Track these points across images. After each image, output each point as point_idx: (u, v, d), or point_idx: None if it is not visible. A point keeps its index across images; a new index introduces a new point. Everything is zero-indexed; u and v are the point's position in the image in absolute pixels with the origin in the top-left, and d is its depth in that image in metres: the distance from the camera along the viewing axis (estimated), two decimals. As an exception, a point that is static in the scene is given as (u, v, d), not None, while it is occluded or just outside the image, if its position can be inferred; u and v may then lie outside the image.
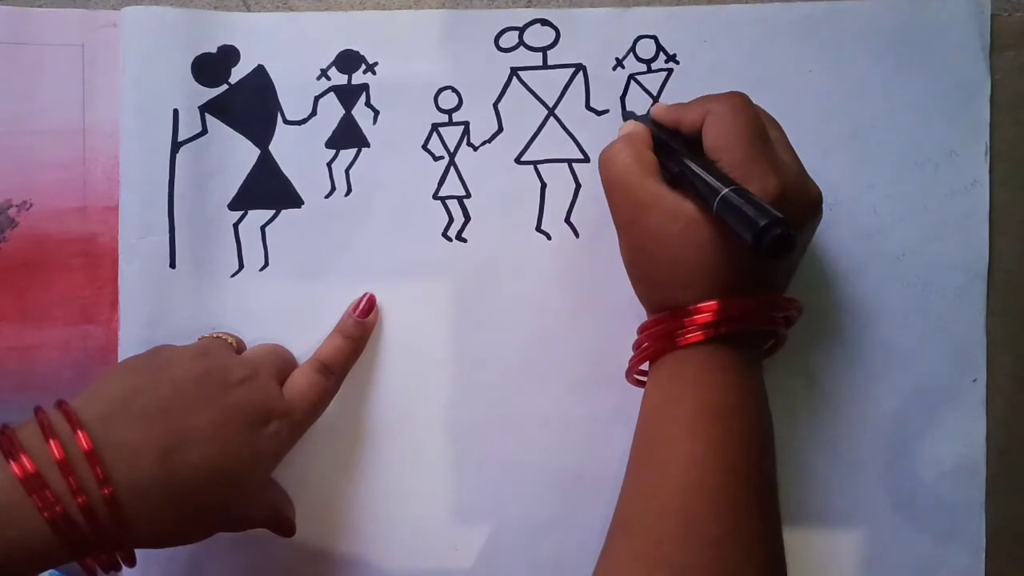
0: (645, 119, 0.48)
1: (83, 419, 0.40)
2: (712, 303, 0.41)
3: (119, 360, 0.51)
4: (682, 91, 0.51)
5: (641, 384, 0.46)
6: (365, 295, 0.51)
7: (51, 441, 0.39)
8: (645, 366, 0.46)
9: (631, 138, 0.45)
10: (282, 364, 0.49)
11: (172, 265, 0.51)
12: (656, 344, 0.44)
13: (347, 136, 0.52)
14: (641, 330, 0.45)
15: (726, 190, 0.39)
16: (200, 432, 0.42)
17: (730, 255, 0.41)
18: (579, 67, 0.51)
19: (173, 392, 0.43)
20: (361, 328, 0.51)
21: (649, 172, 0.44)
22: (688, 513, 0.39)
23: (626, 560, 0.40)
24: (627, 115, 0.51)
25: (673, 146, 0.45)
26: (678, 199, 0.42)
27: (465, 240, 0.52)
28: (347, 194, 0.52)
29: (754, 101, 0.51)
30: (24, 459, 0.38)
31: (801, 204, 0.43)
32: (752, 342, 0.44)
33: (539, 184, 0.52)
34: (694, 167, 0.42)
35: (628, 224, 0.45)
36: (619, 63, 0.52)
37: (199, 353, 0.45)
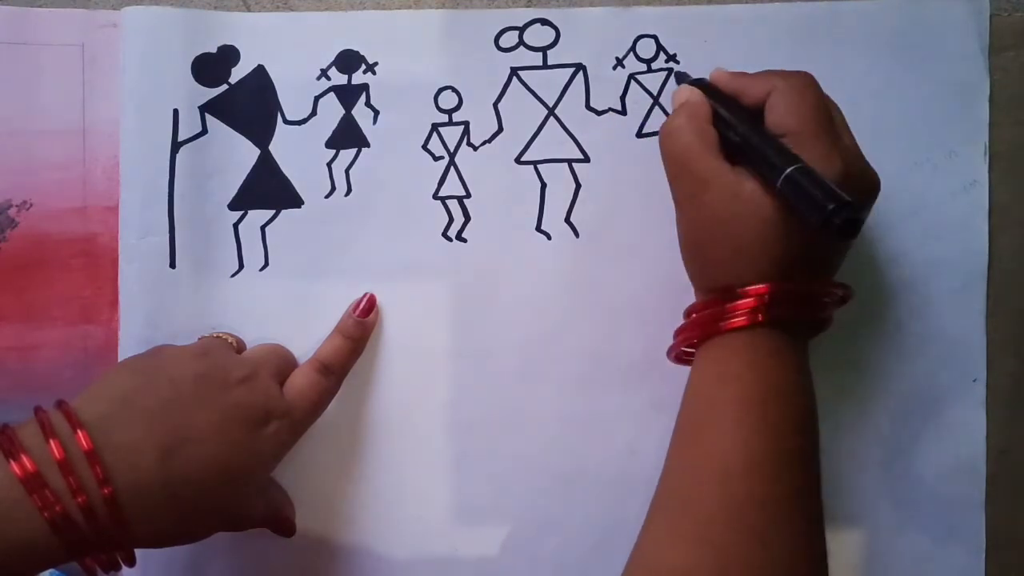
0: (701, 84, 0.47)
1: (83, 419, 0.40)
2: (762, 287, 0.41)
3: (119, 360, 0.51)
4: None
5: (684, 362, 0.45)
6: (365, 295, 0.51)
7: (51, 441, 0.39)
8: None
9: (692, 111, 0.44)
10: (282, 364, 0.49)
11: (172, 265, 0.51)
12: (704, 327, 0.43)
13: (347, 136, 0.52)
14: (689, 312, 0.45)
15: (792, 168, 0.39)
16: (200, 432, 0.42)
17: (788, 236, 0.41)
18: (579, 67, 0.51)
19: (173, 392, 0.43)
20: (361, 328, 0.51)
21: (711, 148, 0.43)
22: (731, 497, 0.39)
23: (668, 537, 0.40)
24: (681, 77, 0.50)
25: (735, 119, 0.44)
26: (740, 177, 0.42)
27: (465, 240, 0.52)
28: (347, 194, 0.52)
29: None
30: (24, 459, 0.38)
31: (861, 188, 0.42)
32: (800, 326, 0.43)
33: (539, 184, 0.52)
34: (759, 142, 0.41)
35: (687, 201, 0.44)
36: (619, 63, 0.52)
37: (199, 353, 0.45)
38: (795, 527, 0.39)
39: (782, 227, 0.41)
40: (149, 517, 0.40)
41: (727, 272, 0.42)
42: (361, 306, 0.51)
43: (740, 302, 0.41)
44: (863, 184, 0.43)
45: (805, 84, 0.43)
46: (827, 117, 0.42)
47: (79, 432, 0.39)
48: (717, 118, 0.44)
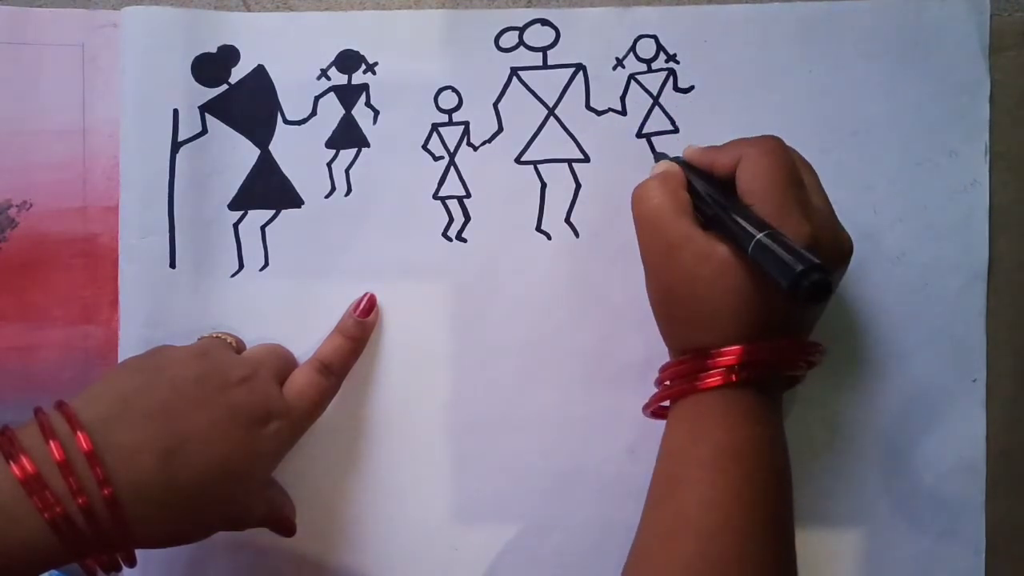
0: (677, 160, 0.47)
1: (83, 420, 0.40)
2: (736, 348, 0.41)
3: (119, 360, 0.51)
4: (682, 91, 0.51)
5: (659, 418, 0.46)
6: (365, 295, 0.51)
7: (51, 442, 0.39)
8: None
9: (665, 177, 0.45)
10: (282, 364, 0.49)
11: (172, 265, 0.51)
12: (677, 385, 0.43)
13: (347, 136, 0.52)
14: (662, 369, 0.45)
15: (761, 234, 0.39)
16: (200, 432, 0.42)
17: (761, 299, 0.41)
18: (579, 67, 0.51)
19: (173, 393, 0.43)
20: (361, 328, 0.51)
21: (683, 212, 0.43)
22: (706, 557, 0.39)
23: None
24: (659, 156, 0.51)
25: (706, 188, 0.44)
26: (711, 241, 0.42)
27: (465, 240, 0.52)
28: (347, 194, 0.52)
29: (754, 101, 0.51)
30: (24, 460, 0.38)
31: (832, 251, 0.43)
32: (774, 384, 0.43)
33: (539, 184, 0.52)
34: (728, 210, 0.42)
35: (658, 263, 0.44)
36: (619, 63, 0.52)
37: (198, 353, 0.45)
38: None
39: (754, 291, 0.41)
40: (150, 518, 0.40)
41: (699, 334, 0.43)
42: (361, 306, 0.51)
43: (713, 361, 0.42)
44: (835, 247, 0.43)
45: (772, 148, 0.43)
46: (795, 181, 0.42)
47: (79, 433, 0.39)
48: (690, 188, 0.45)
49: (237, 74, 0.51)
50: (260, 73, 0.51)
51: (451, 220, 0.52)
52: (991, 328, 0.51)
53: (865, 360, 0.51)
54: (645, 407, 0.47)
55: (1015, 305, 0.51)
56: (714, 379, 0.41)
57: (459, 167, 0.52)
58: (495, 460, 0.51)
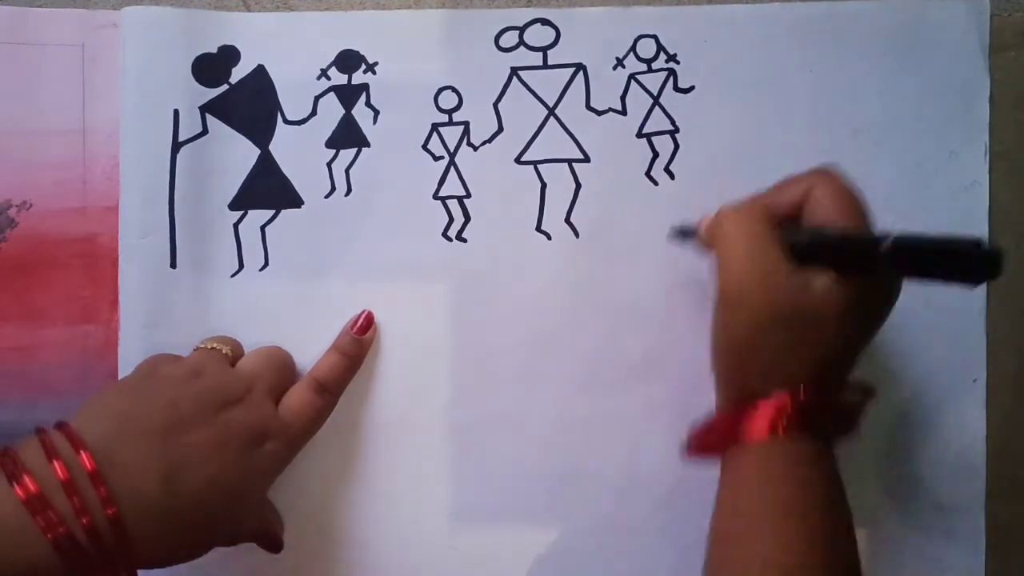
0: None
1: (85, 440, 0.40)
2: (784, 396, 0.40)
3: (119, 360, 0.51)
4: (682, 91, 0.52)
5: (700, 458, 0.45)
6: (363, 312, 0.51)
7: (54, 462, 0.38)
8: None
9: (749, 207, 0.43)
10: (278, 377, 0.48)
11: (173, 265, 0.51)
12: (726, 437, 0.43)
13: (347, 136, 0.52)
14: (709, 423, 0.45)
15: (893, 236, 0.37)
16: (198, 454, 0.42)
17: (855, 326, 0.40)
18: (579, 67, 0.51)
19: (171, 414, 0.42)
20: (358, 346, 0.50)
21: (776, 241, 0.41)
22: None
23: None
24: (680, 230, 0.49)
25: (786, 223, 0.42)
26: (809, 273, 0.40)
27: (465, 240, 0.52)
28: (347, 194, 0.52)
29: (754, 101, 0.51)
30: (27, 480, 0.38)
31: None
32: (824, 430, 0.42)
33: (539, 184, 0.52)
34: (831, 233, 0.40)
35: (744, 297, 0.41)
36: (619, 63, 0.52)
37: (195, 371, 0.45)
38: None
39: (853, 316, 0.40)
40: (151, 537, 0.40)
41: (765, 373, 0.41)
42: (359, 323, 0.51)
43: (760, 411, 0.41)
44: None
45: (841, 177, 0.42)
46: (866, 207, 0.42)
47: (82, 453, 0.39)
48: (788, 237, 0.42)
49: (237, 74, 0.51)
50: (260, 73, 0.51)
51: (451, 220, 0.52)
52: (991, 328, 0.51)
53: (865, 360, 0.51)
54: (685, 452, 0.46)
55: (1015, 305, 0.51)
56: (761, 430, 0.40)
57: (459, 167, 0.52)
58: (495, 460, 0.51)
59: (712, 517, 0.43)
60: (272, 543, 0.49)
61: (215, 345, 0.49)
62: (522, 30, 0.51)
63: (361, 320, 0.51)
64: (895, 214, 0.51)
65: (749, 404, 0.41)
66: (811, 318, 0.40)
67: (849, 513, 0.41)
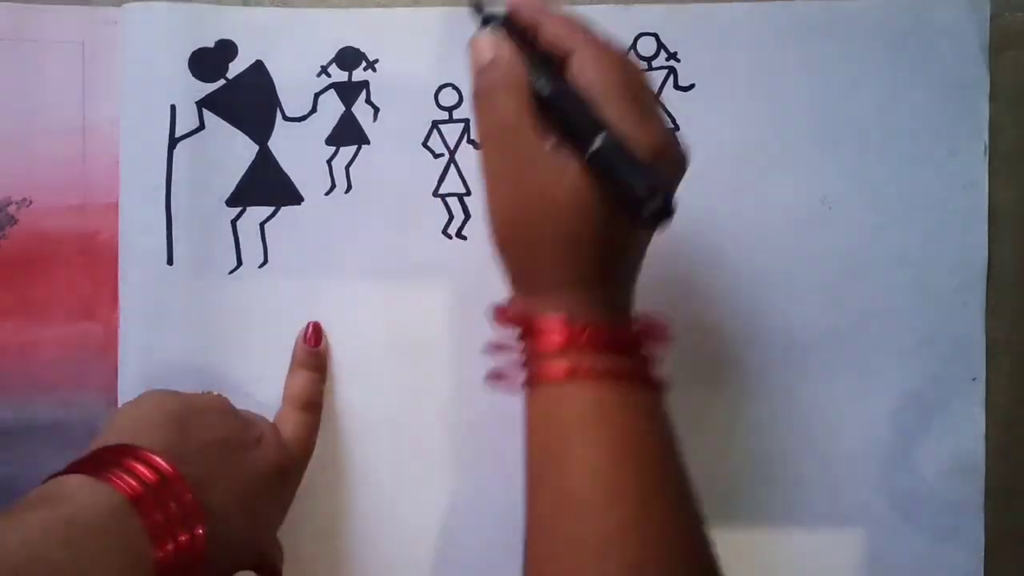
0: (496, 19, 0.42)
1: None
2: (558, 319, 0.38)
3: (119, 356, 0.51)
4: (682, 90, 0.52)
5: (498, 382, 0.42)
6: (309, 324, 0.51)
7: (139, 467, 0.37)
8: None
9: (508, 74, 0.39)
10: (272, 423, 0.48)
11: (169, 262, 0.51)
12: (525, 373, 0.40)
13: (347, 133, 0.52)
14: (500, 316, 0.41)
15: (600, 140, 0.35)
16: (226, 505, 0.39)
17: (606, 223, 0.37)
18: (579, 64, 0.51)
19: (201, 463, 0.39)
20: (317, 357, 0.50)
21: (531, 121, 0.38)
22: (597, 531, 0.35)
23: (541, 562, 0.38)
24: (477, 8, 0.44)
25: (543, 75, 0.38)
26: (562, 158, 0.37)
27: (465, 237, 0.52)
28: (347, 191, 0.52)
29: (754, 100, 0.51)
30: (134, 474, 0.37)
31: (672, 163, 0.38)
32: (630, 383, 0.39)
33: (539, 182, 0.52)
34: (571, 108, 0.37)
35: (507, 176, 0.39)
36: (619, 61, 0.51)
37: (224, 410, 0.43)
38: (675, 552, 0.36)
39: (607, 209, 0.37)
40: None
41: (543, 263, 0.38)
42: (308, 336, 0.51)
43: (546, 338, 0.38)
44: (677, 160, 0.38)
45: (613, 45, 0.39)
46: (639, 83, 0.38)
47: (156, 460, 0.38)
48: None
49: (235, 69, 0.51)
50: (258, 68, 0.51)
51: (451, 217, 0.52)
52: (991, 328, 0.51)
53: (865, 360, 0.51)
54: (488, 376, 0.42)
55: (1015, 305, 0.51)
56: (558, 372, 0.38)
57: (459, 164, 0.52)
58: (495, 458, 0.51)
59: (527, 433, 0.40)
60: (271, 573, 0.48)
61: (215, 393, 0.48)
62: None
63: (310, 333, 0.51)
64: (895, 214, 0.51)
65: (531, 316, 0.39)
66: (568, 204, 0.37)
67: (669, 423, 0.39)
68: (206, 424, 0.41)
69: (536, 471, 0.39)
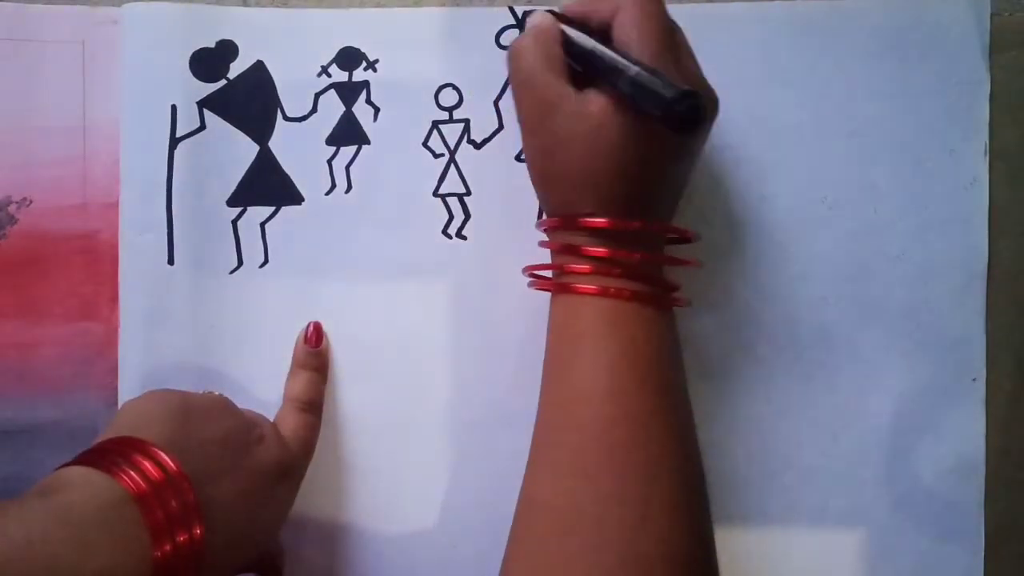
0: (553, 13, 0.45)
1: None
2: (604, 220, 0.41)
3: (119, 356, 0.51)
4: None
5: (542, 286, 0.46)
6: (309, 324, 0.51)
7: (145, 463, 0.37)
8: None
9: (540, 34, 0.43)
10: (272, 422, 0.48)
11: (170, 262, 0.51)
12: (555, 280, 0.44)
13: (348, 133, 0.52)
14: (544, 227, 0.45)
15: (636, 68, 0.39)
16: (225, 503, 0.40)
17: (637, 156, 0.41)
18: (580, 64, 0.52)
19: (201, 460, 0.40)
20: (318, 357, 0.50)
21: (557, 70, 0.42)
22: (599, 422, 0.39)
23: (545, 471, 0.41)
24: (529, 13, 0.49)
25: (581, 38, 0.43)
26: (586, 97, 0.41)
27: (465, 237, 0.52)
28: (347, 191, 0.52)
29: (754, 99, 0.51)
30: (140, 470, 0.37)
31: (706, 102, 0.41)
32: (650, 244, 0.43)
33: (539, 182, 0.52)
34: (605, 53, 0.41)
35: (533, 125, 0.43)
36: (620, 61, 0.52)
37: (223, 407, 0.44)
38: (663, 444, 0.40)
39: (629, 145, 0.40)
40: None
41: (573, 199, 0.42)
42: (309, 336, 0.51)
43: (584, 230, 0.42)
44: (708, 99, 0.43)
45: (651, 3, 0.42)
46: (671, 35, 0.42)
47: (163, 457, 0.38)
48: (567, 41, 0.43)
49: (236, 69, 0.51)
50: (259, 69, 0.51)
51: (451, 217, 0.52)
52: (991, 328, 0.51)
53: (865, 359, 0.51)
54: (527, 271, 0.47)
55: (1015, 305, 0.51)
56: (589, 286, 0.42)
57: (459, 164, 0.52)
58: (495, 458, 0.51)
59: (547, 343, 0.44)
60: (273, 573, 0.48)
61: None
62: (523, 28, 0.51)
63: (311, 332, 0.51)
64: (895, 213, 0.51)
65: (564, 242, 0.43)
66: (594, 141, 0.40)
67: (677, 340, 0.43)
68: (208, 421, 0.42)
69: (550, 369, 0.43)
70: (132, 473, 0.36)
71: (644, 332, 0.41)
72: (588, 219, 0.42)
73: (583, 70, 0.43)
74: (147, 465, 0.37)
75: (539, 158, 0.44)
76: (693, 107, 0.37)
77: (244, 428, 0.43)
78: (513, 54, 0.44)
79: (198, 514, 0.37)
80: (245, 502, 0.41)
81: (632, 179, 0.41)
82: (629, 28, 0.41)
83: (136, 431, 0.39)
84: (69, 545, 0.33)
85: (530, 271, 0.46)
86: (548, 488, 0.40)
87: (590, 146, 0.41)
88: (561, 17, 0.45)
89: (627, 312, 0.41)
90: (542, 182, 0.44)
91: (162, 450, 0.38)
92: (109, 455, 0.37)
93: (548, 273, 0.45)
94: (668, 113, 0.37)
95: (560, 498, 0.39)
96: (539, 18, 0.44)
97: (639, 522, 0.38)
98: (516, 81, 0.44)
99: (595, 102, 0.40)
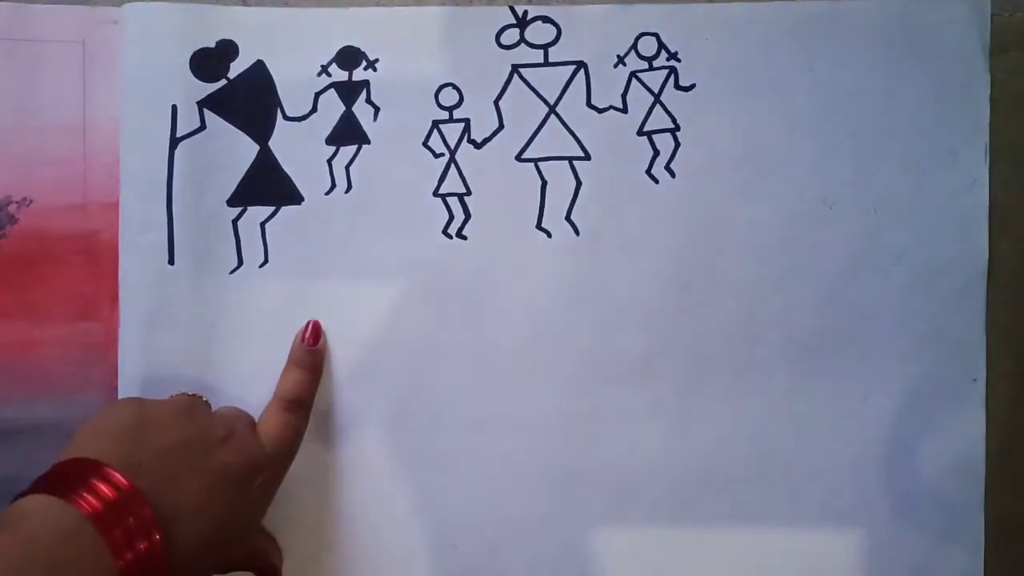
0: None
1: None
2: None
3: (119, 356, 0.51)
4: (682, 89, 0.52)
5: None
6: (308, 323, 0.51)
7: (99, 484, 0.38)
8: None
9: None
10: (250, 418, 0.48)
11: (171, 262, 0.51)
12: None
13: (348, 133, 0.52)
14: None
15: None
16: (190, 505, 0.41)
17: None
18: (580, 64, 0.51)
19: (161, 464, 0.41)
20: (313, 356, 0.50)
21: None
22: None
23: None
24: None
25: None
26: None
27: (465, 237, 0.52)
28: (347, 191, 0.52)
29: (755, 99, 0.51)
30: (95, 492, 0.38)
31: None
32: None
33: (540, 181, 0.52)
34: None
35: None
36: (620, 60, 0.52)
37: (182, 412, 0.44)
38: None
39: None
40: None
41: None
42: (307, 335, 0.51)
43: None
44: None
45: None
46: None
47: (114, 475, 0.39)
48: None
49: (236, 69, 0.51)
50: (259, 68, 0.51)
51: (451, 217, 0.52)
52: (991, 328, 0.51)
53: (865, 360, 0.51)
54: None
55: (1015, 305, 0.51)
56: None
57: (459, 164, 0.52)
58: (495, 457, 0.51)
59: None
60: (269, 573, 0.48)
61: (194, 394, 0.48)
62: (523, 27, 0.51)
63: (309, 331, 0.51)
64: (895, 214, 0.51)
65: None
66: None
67: None
68: (164, 428, 0.43)
69: None
70: (87, 496, 0.38)
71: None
72: None
73: None
74: (100, 486, 0.38)
75: None
76: None
77: (204, 429, 0.44)
78: None
79: (154, 523, 0.38)
80: (211, 502, 0.42)
81: None
82: None
83: (91, 450, 0.40)
84: (36, 574, 0.35)
85: None
86: None
87: None
88: None
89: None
90: None
91: (115, 468, 0.39)
92: (64, 479, 0.38)
93: None
94: None
95: None
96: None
97: None
98: None
99: None
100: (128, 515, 0.38)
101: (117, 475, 0.39)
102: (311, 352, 0.50)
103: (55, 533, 0.36)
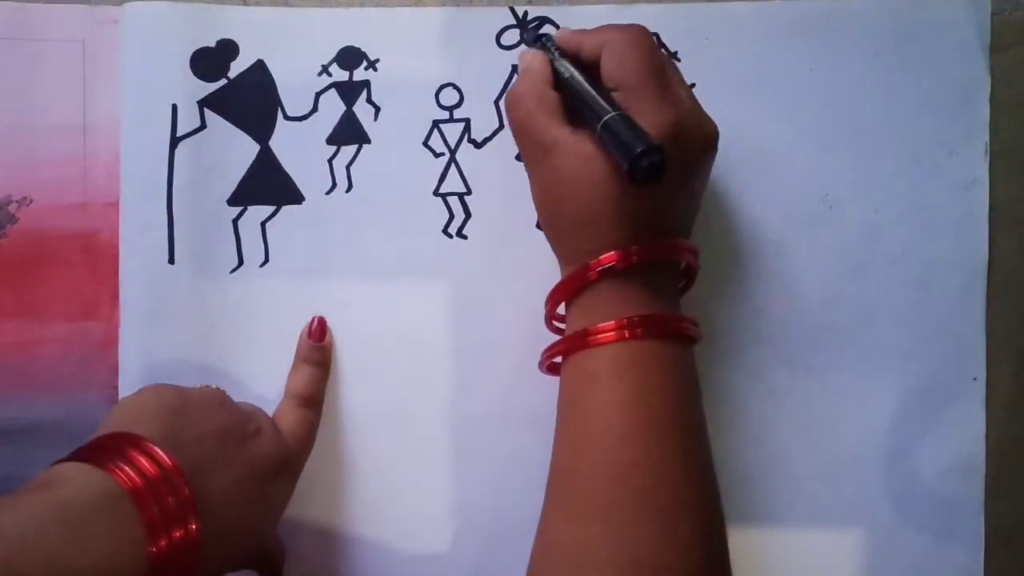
0: (547, 43, 0.46)
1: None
2: (612, 254, 0.41)
3: (120, 356, 0.51)
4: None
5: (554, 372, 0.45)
6: (314, 318, 0.51)
7: (141, 459, 0.37)
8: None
9: (533, 77, 0.44)
10: (270, 416, 0.48)
11: (171, 261, 0.51)
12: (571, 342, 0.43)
13: (348, 132, 0.52)
14: (553, 295, 0.45)
15: (608, 115, 0.39)
16: (218, 497, 0.40)
17: (627, 195, 0.41)
18: (580, 64, 0.52)
19: (198, 450, 0.40)
20: (321, 352, 0.50)
21: (552, 113, 0.43)
22: (614, 467, 0.39)
23: (562, 519, 0.40)
24: (528, 35, 0.51)
25: (572, 77, 0.44)
26: (579, 139, 0.41)
27: (465, 237, 0.52)
28: (348, 190, 0.52)
29: (754, 99, 0.51)
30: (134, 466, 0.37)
31: (696, 138, 0.42)
32: (660, 285, 0.43)
33: (540, 181, 0.52)
34: (587, 96, 0.42)
35: (535, 167, 0.44)
36: (620, 60, 0.52)
37: (218, 402, 0.44)
38: (681, 476, 0.39)
39: (618, 185, 0.40)
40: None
41: (580, 241, 0.42)
42: (313, 330, 0.51)
43: (592, 270, 0.42)
44: (699, 134, 0.43)
45: (635, 36, 0.43)
46: (657, 68, 0.42)
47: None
48: (558, 79, 0.44)
49: (236, 68, 0.51)
50: (260, 68, 0.51)
51: (452, 217, 0.52)
52: (991, 327, 0.51)
53: (865, 359, 0.51)
54: (541, 364, 0.47)
55: (1015, 305, 0.51)
56: (608, 335, 0.41)
57: (460, 164, 0.52)
58: (495, 457, 0.51)
59: (561, 384, 0.43)
60: (273, 571, 0.48)
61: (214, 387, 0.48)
62: (523, 28, 0.51)
63: (315, 327, 0.51)
64: (895, 213, 0.51)
65: (583, 269, 0.42)
66: (589, 182, 0.41)
67: (692, 372, 0.43)
68: (203, 415, 0.42)
69: (563, 410, 0.43)
70: (127, 469, 0.36)
71: (659, 372, 0.41)
72: (597, 261, 0.41)
73: (575, 107, 0.43)
74: (142, 460, 0.37)
75: (544, 202, 0.44)
76: (653, 165, 0.38)
77: (240, 422, 0.43)
78: (508, 104, 0.45)
79: (193, 509, 0.37)
80: (240, 496, 0.41)
81: (633, 213, 0.41)
82: (614, 65, 0.42)
83: (131, 426, 0.39)
84: (64, 541, 0.33)
85: (548, 358, 0.46)
86: (563, 533, 0.40)
87: (588, 184, 0.41)
88: (557, 48, 0.46)
89: (642, 352, 0.41)
90: (550, 226, 0.45)
91: (157, 445, 0.38)
92: (104, 451, 0.37)
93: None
94: (630, 166, 0.38)
95: (575, 543, 0.39)
96: (529, 59, 0.45)
97: (655, 567, 0.37)
98: (514, 129, 0.45)
99: (587, 144, 0.41)
100: (168, 494, 0.37)
101: (160, 451, 0.38)
102: (319, 348, 0.50)
103: (90, 503, 0.35)
